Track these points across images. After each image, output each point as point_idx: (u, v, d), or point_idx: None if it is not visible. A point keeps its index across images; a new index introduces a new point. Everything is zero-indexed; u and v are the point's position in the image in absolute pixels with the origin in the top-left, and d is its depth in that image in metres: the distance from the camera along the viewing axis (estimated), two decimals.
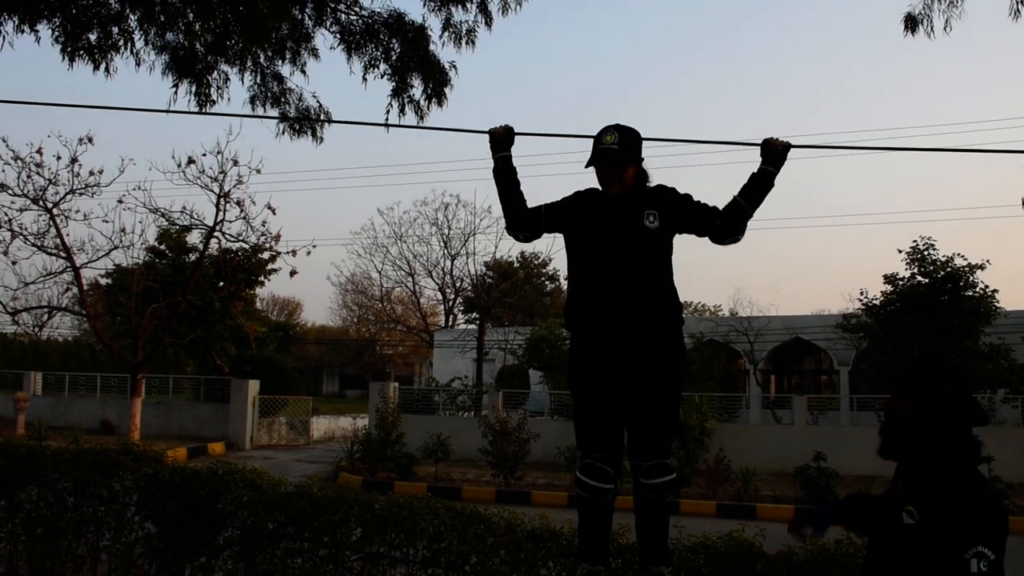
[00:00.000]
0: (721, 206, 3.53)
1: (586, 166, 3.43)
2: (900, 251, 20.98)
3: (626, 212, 3.40)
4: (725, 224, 3.48)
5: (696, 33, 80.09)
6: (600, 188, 3.54)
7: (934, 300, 19.93)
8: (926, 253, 20.59)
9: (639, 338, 3.31)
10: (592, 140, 3.45)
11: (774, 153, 3.49)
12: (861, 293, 21.88)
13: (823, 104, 77.16)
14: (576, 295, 3.50)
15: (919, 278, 20.61)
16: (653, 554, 3.46)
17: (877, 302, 21.32)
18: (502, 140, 3.66)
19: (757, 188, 3.48)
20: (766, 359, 28.08)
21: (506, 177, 3.63)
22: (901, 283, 20.90)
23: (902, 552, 2.33)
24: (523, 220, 3.59)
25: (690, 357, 28.83)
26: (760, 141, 3.55)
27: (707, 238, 3.55)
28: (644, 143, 3.49)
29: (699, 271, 68.88)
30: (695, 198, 3.55)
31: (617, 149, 3.35)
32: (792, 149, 3.54)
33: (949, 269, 20.20)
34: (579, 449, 3.52)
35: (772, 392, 30.23)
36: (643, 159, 3.50)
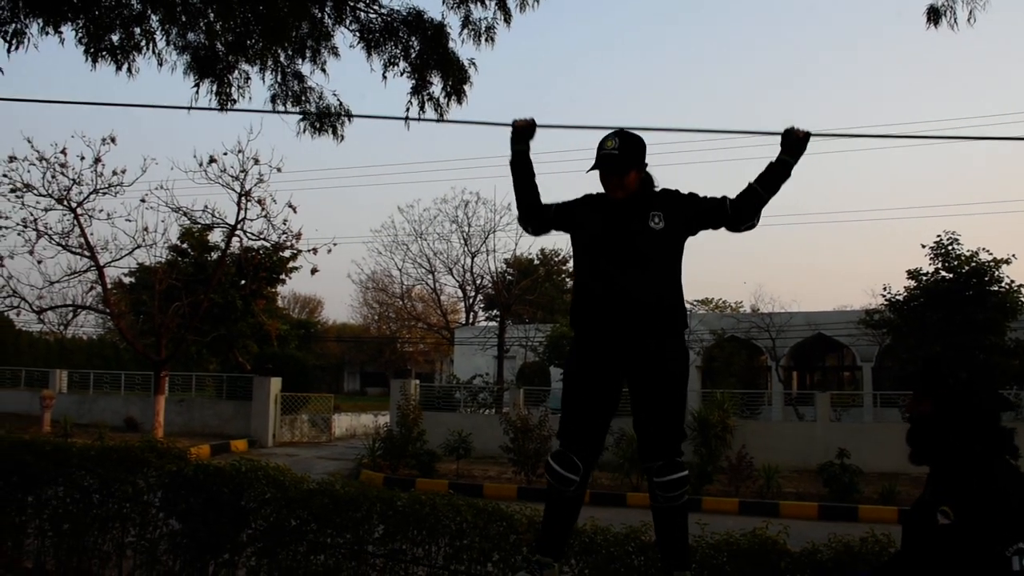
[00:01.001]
0: (732, 195, 3.55)
1: (588, 171, 3.49)
2: (924, 246, 20.84)
3: (630, 215, 3.45)
4: (739, 210, 3.50)
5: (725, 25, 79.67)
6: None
7: (958, 295, 19.74)
8: (950, 248, 20.40)
9: (641, 338, 3.33)
10: (596, 147, 3.51)
11: (794, 142, 3.49)
12: (884, 289, 21.75)
13: (848, 98, 76.55)
14: (579, 295, 3.55)
15: (943, 273, 20.42)
16: (675, 559, 3.48)
17: (900, 298, 21.16)
18: (524, 133, 3.71)
19: (774, 177, 3.49)
20: (788, 355, 27.92)
21: (522, 170, 3.69)
22: (925, 278, 20.71)
23: (939, 553, 2.26)
24: (535, 214, 3.68)
25: (711, 354, 28.79)
26: (781, 131, 3.55)
27: (723, 227, 3.56)
28: (671, 133, 3.54)
29: (720, 267, 68.57)
30: (699, 195, 3.58)
31: (618, 154, 3.41)
32: (814, 139, 3.54)
33: (974, 264, 20.01)
34: (558, 439, 3.58)
35: (794, 389, 30.07)
36: (647, 164, 3.55)
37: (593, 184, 3.61)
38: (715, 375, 28.84)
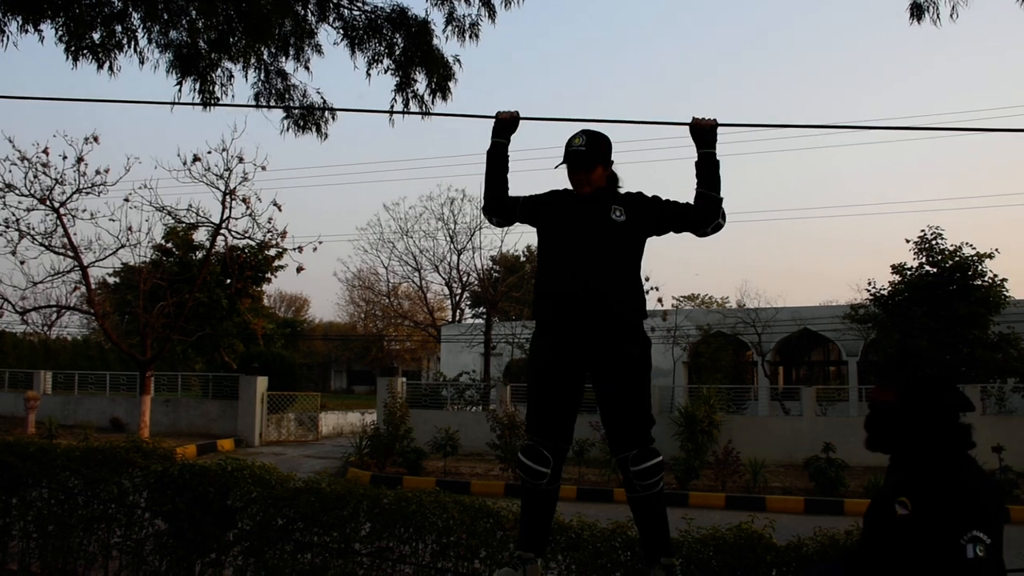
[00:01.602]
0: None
1: (556, 167, 3.61)
2: (908, 241, 20.96)
3: (593, 208, 3.53)
4: (699, 214, 3.57)
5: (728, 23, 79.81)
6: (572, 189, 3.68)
7: (942, 290, 19.87)
8: (934, 243, 20.53)
9: (601, 330, 3.37)
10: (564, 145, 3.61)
11: (702, 132, 3.61)
12: (869, 283, 21.87)
13: (840, 90, 76.88)
14: (540, 287, 3.60)
15: (927, 268, 20.55)
16: (658, 547, 3.49)
17: (885, 292, 21.27)
18: (506, 125, 3.80)
19: (707, 172, 3.58)
20: (774, 350, 28.05)
21: (497, 161, 3.77)
22: (909, 273, 20.84)
23: (897, 543, 2.32)
24: (501, 205, 3.75)
25: (698, 349, 28.89)
26: (688, 121, 3.66)
27: (689, 232, 3.63)
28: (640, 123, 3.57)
29: (706, 263, 68.78)
30: (663, 198, 3.64)
31: (585, 151, 3.54)
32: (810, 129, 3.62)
33: (957, 258, 20.14)
34: (526, 433, 3.60)
35: (780, 383, 30.20)
36: (613, 162, 3.67)
37: (561, 181, 3.70)
38: (701, 370, 28.94)
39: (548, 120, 4.20)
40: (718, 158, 3.59)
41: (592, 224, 3.47)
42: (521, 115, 3.88)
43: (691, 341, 28.20)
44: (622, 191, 3.68)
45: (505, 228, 3.96)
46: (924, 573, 2.23)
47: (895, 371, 2.52)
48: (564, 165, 3.59)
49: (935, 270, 20.37)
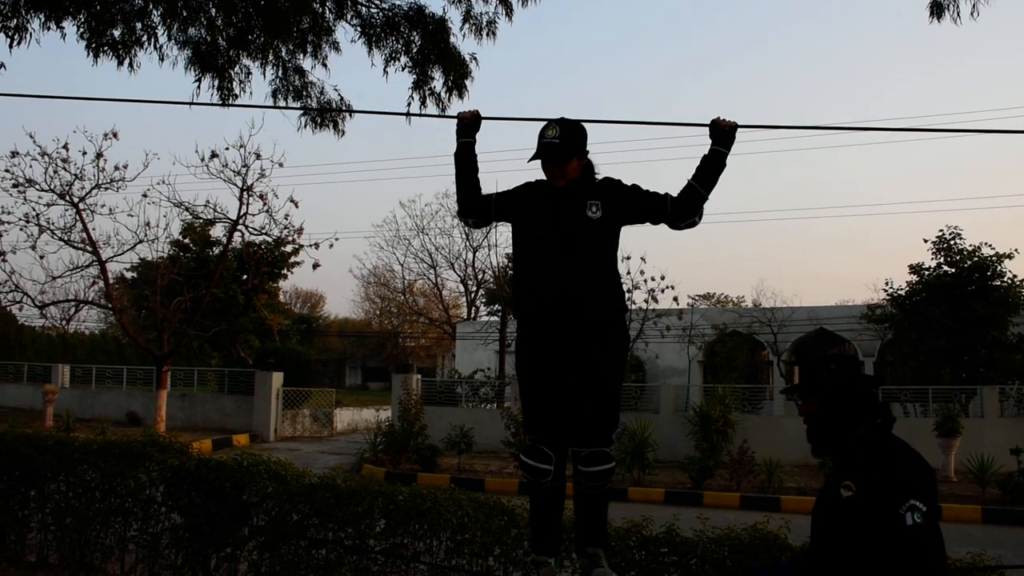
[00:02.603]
0: (675, 193, 3.56)
1: (529, 160, 3.51)
2: (926, 240, 20.81)
3: (568, 203, 3.46)
4: (678, 208, 3.51)
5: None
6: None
7: (961, 290, 19.73)
8: (952, 243, 20.38)
9: (577, 326, 3.34)
10: (537, 135, 3.52)
11: (722, 133, 3.53)
12: (886, 283, 21.72)
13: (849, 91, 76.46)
14: (517, 285, 3.57)
15: (945, 268, 20.40)
16: (589, 536, 3.46)
17: (903, 292, 21.13)
18: (469, 125, 3.77)
19: (710, 170, 3.52)
20: (790, 350, 27.89)
21: (466, 162, 3.75)
22: (927, 273, 20.69)
23: (844, 523, 2.51)
24: (474, 206, 3.70)
25: (713, 348, 28.79)
26: (708, 122, 3.59)
27: (663, 224, 3.58)
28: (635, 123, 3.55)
29: (722, 262, 68.56)
30: (643, 187, 3.59)
31: (559, 143, 3.43)
32: (804, 131, 3.61)
33: (976, 259, 19.98)
34: (526, 434, 3.58)
35: (796, 383, 30.02)
36: (588, 152, 3.57)
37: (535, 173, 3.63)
38: (716, 370, 28.85)
39: (506, 119, 4.14)
40: (727, 161, 3.53)
41: (567, 221, 3.41)
42: (535, 115, 3.86)
43: (706, 340, 28.10)
44: (599, 177, 3.60)
45: (475, 226, 3.90)
46: (869, 546, 2.43)
47: (811, 381, 2.77)
48: (538, 159, 3.50)
49: (953, 270, 20.22)
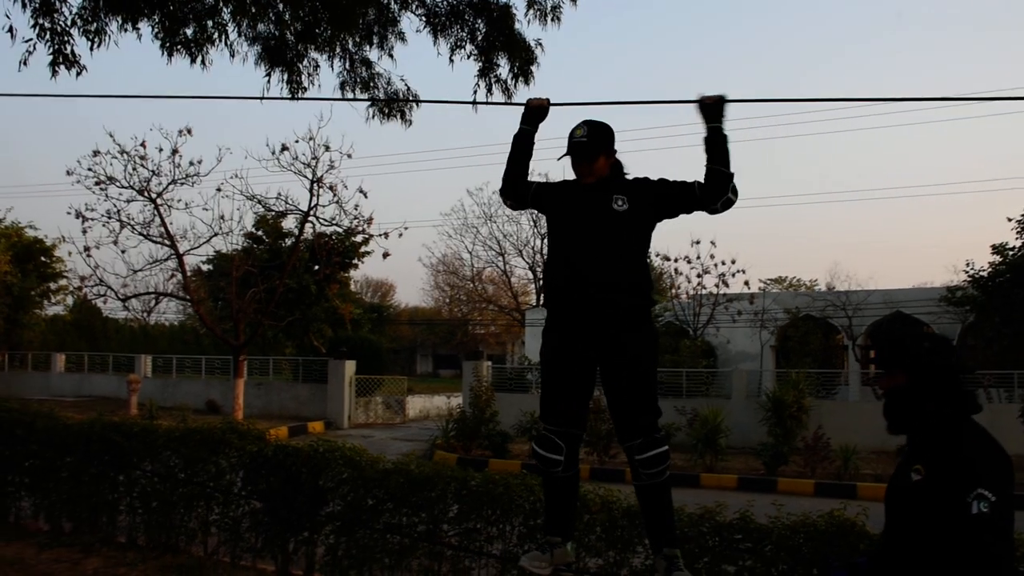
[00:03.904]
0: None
1: (559, 159, 3.63)
2: (1010, 219, 20.02)
3: (595, 197, 3.55)
4: (707, 191, 3.52)
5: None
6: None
7: None
8: None
9: (606, 321, 3.38)
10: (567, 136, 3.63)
11: (709, 108, 3.55)
12: (967, 265, 20.95)
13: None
14: (547, 277, 3.64)
15: None
16: (662, 537, 3.49)
17: (985, 273, 20.39)
18: (536, 113, 3.85)
19: (716, 147, 3.53)
20: (865, 334, 27.21)
21: (522, 147, 3.84)
22: (1011, 253, 19.91)
23: (912, 507, 2.46)
24: (516, 190, 3.83)
25: (786, 333, 28.26)
26: (695, 99, 3.60)
27: (699, 211, 3.61)
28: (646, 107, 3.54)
29: (795, 245, 67.23)
30: (670, 179, 3.62)
31: (586, 141, 3.56)
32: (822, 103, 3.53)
33: None
34: (540, 421, 3.64)
35: (872, 368, 29.32)
36: (616, 151, 3.66)
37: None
38: (789, 355, 28.30)
39: (578, 104, 4.15)
40: (726, 132, 3.53)
41: (594, 214, 3.49)
42: (570, 101, 3.89)
43: (779, 325, 27.60)
44: (629, 178, 3.68)
45: (512, 207, 4.02)
46: (934, 533, 2.36)
47: (898, 354, 2.63)
48: (568, 157, 3.61)
49: None
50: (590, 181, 3.59)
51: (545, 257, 3.77)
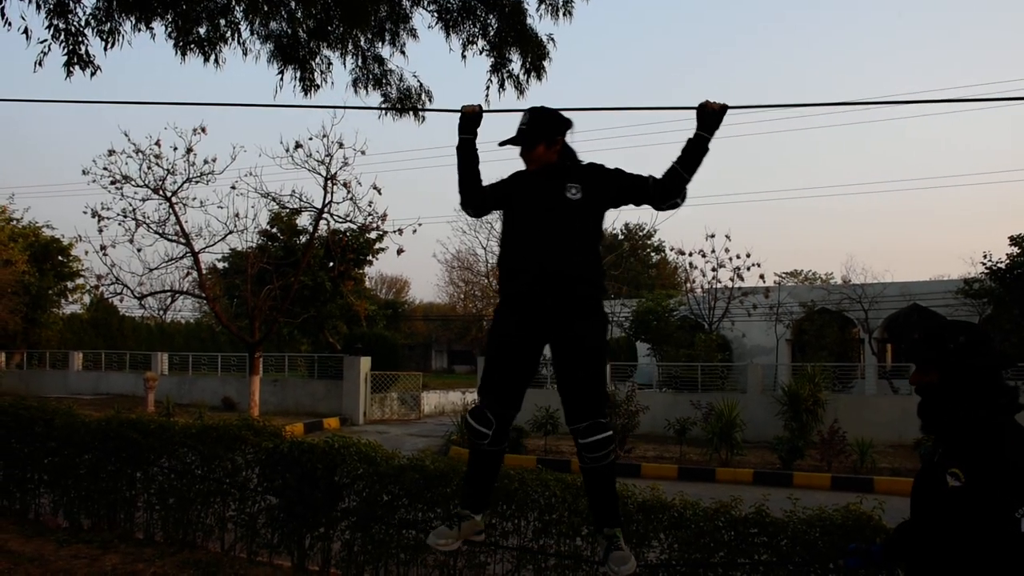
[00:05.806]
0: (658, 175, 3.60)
1: (500, 144, 3.68)
2: None
3: (547, 185, 3.57)
4: (660, 190, 3.56)
5: None
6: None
7: None
8: None
9: (557, 307, 3.41)
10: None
11: (709, 116, 3.54)
12: (985, 256, 20.84)
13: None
14: (501, 264, 3.66)
15: None
16: (605, 517, 3.52)
17: (1003, 266, 20.24)
18: (471, 120, 3.83)
19: (693, 154, 3.54)
20: (881, 327, 27.08)
21: (467, 156, 3.82)
22: None
23: (948, 516, 2.29)
24: (472, 198, 3.80)
25: (801, 326, 28.15)
26: (696, 105, 3.58)
27: (647, 204, 3.63)
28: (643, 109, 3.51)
29: (809, 238, 66.84)
30: (626, 171, 3.64)
31: (525, 129, 3.62)
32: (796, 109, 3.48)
33: None
34: (477, 395, 3.68)
35: (888, 361, 29.16)
36: (560, 138, 3.65)
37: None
38: (805, 348, 28.22)
39: (514, 112, 4.15)
40: (710, 146, 3.56)
41: (547, 203, 3.51)
42: (571, 106, 3.91)
43: (794, 318, 27.50)
44: (584, 163, 3.69)
45: (474, 215, 4.02)
46: (976, 546, 2.20)
47: (931, 351, 2.47)
48: (505, 145, 3.66)
49: None
50: (532, 168, 3.64)
51: (499, 241, 3.78)
